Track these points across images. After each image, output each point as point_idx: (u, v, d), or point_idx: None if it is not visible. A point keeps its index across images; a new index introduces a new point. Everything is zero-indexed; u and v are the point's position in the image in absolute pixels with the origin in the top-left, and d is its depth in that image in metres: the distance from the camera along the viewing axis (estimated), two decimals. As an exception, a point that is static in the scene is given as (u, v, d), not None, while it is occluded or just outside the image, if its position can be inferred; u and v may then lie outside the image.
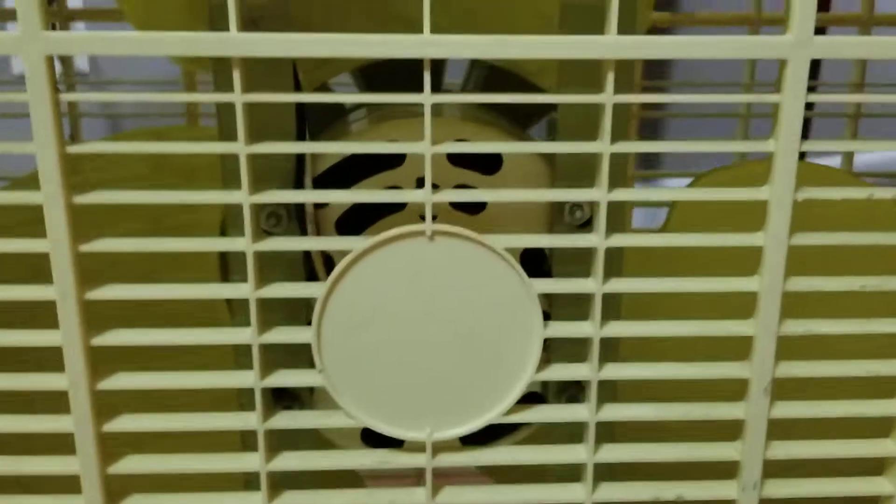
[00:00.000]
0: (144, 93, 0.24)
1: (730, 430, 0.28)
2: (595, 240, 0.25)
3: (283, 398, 0.29)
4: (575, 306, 0.27)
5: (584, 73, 0.25)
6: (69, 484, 0.27)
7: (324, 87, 0.32)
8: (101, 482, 0.26)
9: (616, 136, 0.25)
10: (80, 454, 0.26)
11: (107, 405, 0.26)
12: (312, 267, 0.28)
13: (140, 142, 0.25)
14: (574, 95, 0.24)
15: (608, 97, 0.24)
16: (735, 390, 0.27)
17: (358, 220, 0.28)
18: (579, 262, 0.27)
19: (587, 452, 0.27)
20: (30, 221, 0.24)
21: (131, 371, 0.26)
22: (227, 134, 0.26)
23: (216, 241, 0.25)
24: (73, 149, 0.23)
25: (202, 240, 0.25)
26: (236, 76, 0.23)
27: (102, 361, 0.26)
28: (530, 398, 0.28)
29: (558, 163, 0.27)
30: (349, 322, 0.25)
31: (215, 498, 0.27)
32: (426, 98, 0.24)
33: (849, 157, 0.48)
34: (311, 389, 0.29)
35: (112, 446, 0.26)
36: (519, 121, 0.32)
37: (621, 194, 0.25)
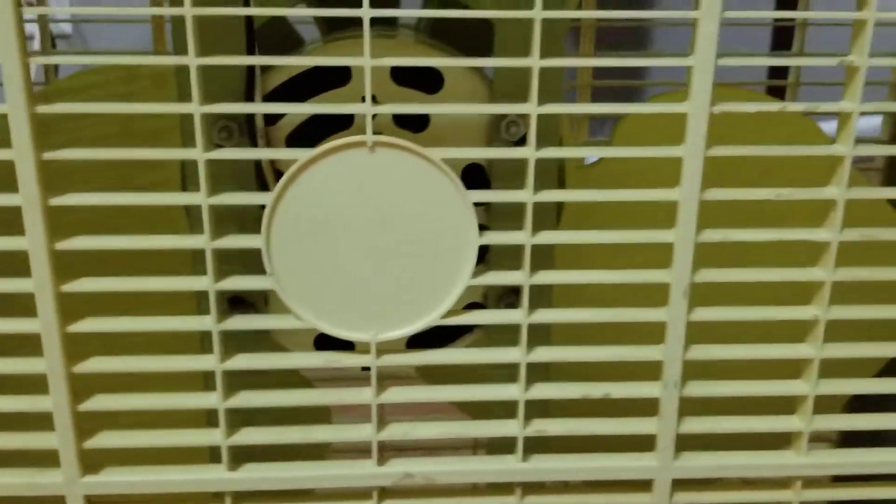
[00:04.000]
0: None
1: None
2: (527, 151, 0.27)
3: (238, 306, 0.30)
4: (513, 220, 0.29)
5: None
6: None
7: (281, 21, 0.34)
8: (67, 382, 0.28)
9: (547, 54, 0.26)
10: (46, 356, 0.28)
11: (71, 307, 0.28)
12: (264, 182, 0.30)
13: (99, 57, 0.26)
14: (505, 11, 0.26)
15: (537, 13, 0.26)
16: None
17: (307, 136, 0.30)
18: (517, 179, 0.29)
19: (521, 353, 0.29)
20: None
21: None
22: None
23: (168, 150, 0.27)
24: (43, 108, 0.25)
25: (160, 150, 0.27)
26: (186, -8, 0.25)
27: (67, 268, 0.27)
28: (471, 307, 0.30)
29: (496, 85, 0.29)
30: (297, 229, 0.27)
31: (176, 398, 0.29)
32: (365, 12, 0.25)
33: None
34: (265, 300, 0.31)
35: (75, 346, 0.28)
36: (470, 52, 0.34)
37: (551, 108, 0.27)
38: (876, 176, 0.45)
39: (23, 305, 0.27)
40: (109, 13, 0.25)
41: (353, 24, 0.32)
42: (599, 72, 0.52)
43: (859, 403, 0.33)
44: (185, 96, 0.28)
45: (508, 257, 0.30)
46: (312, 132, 0.30)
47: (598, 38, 0.53)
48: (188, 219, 0.31)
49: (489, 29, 0.33)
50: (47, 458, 0.30)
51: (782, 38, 0.63)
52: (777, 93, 0.62)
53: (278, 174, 0.30)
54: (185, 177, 0.31)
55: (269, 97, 0.29)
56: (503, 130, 0.29)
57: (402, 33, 0.33)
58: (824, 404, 0.31)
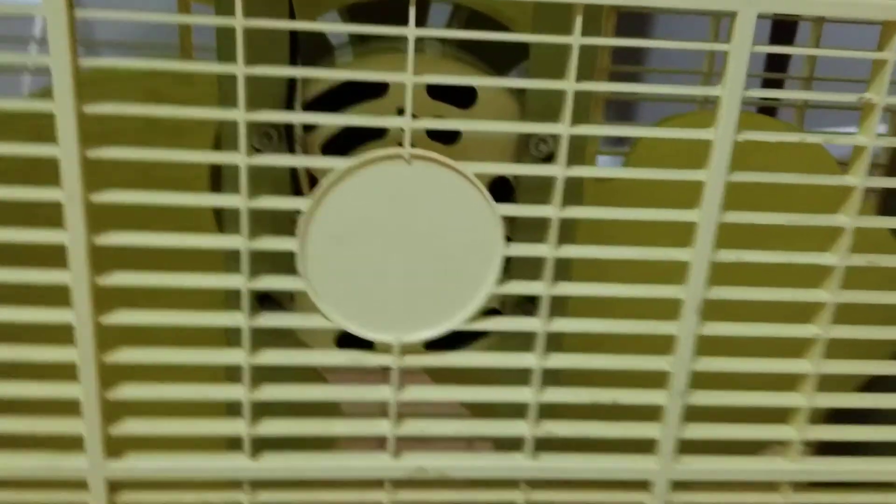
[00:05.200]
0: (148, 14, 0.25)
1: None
2: (556, 169, 0.28)
3: (265, 302, 0.31)
4: (534, 232, 0.30)
5: (555, 23, 0.28)
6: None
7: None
8: (97, 371, 0.29)
9: (581, 79, 0.27)
10: (79, 347, 0.28)
11: (106, 300, 0.28)
12: (298, 188, 0.30)
13: (147, 61, 0.26)
14: (544, 36, 0.27)
15: (576, 39, 0.27)
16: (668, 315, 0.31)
17: (342, 145, 0.30)
18: (540, 193, 0.30)
19: (536, 359, 0.30)
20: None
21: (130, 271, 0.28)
22: (227, 61, 0.28)
23: (214, 154, 0.28)
24: (86, 62, 0.25)
25: (200, 153, 0.27)
26: (238, 2, 0.25)
27: (103, 261, 0.28)
28: (489, 314, 0.31)
29: (528, 103, 0.30)
30: (331, 234, 0.28)
31: (203, 389, 0.30)
32: (410, 32, 0.26)
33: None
34: (291, 297, 0.32)
35: (106, 337, 0.29)
36: (496, 65, 0.34)
37: (582, 129, 0.28)
38: (874, 196, 0.47)
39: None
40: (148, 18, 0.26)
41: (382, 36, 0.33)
42: (615, 58, 0.53)
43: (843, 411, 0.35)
44: (226, 95, 0.29)
45: (527, 265, 0.31)
46: (348, 141, 0.30)
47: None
48: (218, 215, 0.31)
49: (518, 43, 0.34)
50: (67, 443, 0.30)
51: (782, 29, 0.64)
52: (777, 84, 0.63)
53: (312, 179, 0.31)
54: (214, 172, 0.32)
55: (307, 107, 0.30)
56: (532, 147, 0.30)
57: (429, 45, 0.33)
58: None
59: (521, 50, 0.35)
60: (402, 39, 0.26)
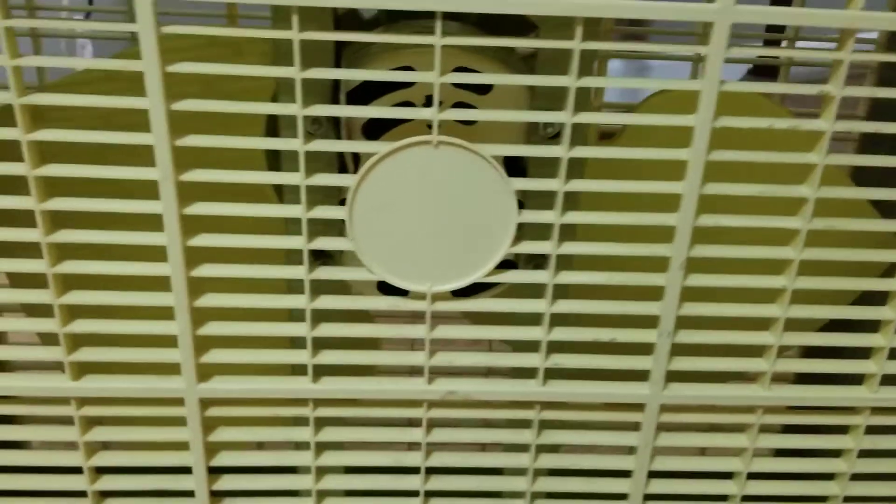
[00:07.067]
0: None
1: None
2: (560, 151, 0.34)
3: (320, 257, 0.38)
4: (545, 197, 0.36)
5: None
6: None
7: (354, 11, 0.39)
8: (190, 314, 0.36)
9: (582, 73, 0.32)
10: (175, 295, 0.35)
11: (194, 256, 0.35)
12: (343, 158, 0.36)
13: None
14: (549, 41, 0.32)
15: (576, 44, 0.32)
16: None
17: (380, 124, 0.36)
18: (549, 164, 0.35)
19: (546, 304, 0.37)
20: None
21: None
22: (283, 52, 0.33)
23: (278, 140, 0.34)
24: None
25: (264, 139, 0.34)
26: (294, 20, 0.31)
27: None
28: (506, 264, 0.37)
29: (537, 87, 0.35)
30: (373, 205, 0.34)
31: (275, 327, 0.37)
32: (436, 40, 0.31)
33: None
34: (341, 252, 0.38)
35: (196, 287, 0.36)
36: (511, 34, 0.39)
37: (583, 117, 0.33)
38: (851, 146, 0.51)
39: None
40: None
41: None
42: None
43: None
44: (282, 86, 0.34)
45: (539, 224, 0.36)
46: (384, 121, 0.36)
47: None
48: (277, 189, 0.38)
49: (532, 25, 0.39)
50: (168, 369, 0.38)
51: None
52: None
53: (355, 154, 0.37)
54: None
55: (352, 93, 0.35)
56: (541, 128, 0.35)
57: (448, 27, 0.38)
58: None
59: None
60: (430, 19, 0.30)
